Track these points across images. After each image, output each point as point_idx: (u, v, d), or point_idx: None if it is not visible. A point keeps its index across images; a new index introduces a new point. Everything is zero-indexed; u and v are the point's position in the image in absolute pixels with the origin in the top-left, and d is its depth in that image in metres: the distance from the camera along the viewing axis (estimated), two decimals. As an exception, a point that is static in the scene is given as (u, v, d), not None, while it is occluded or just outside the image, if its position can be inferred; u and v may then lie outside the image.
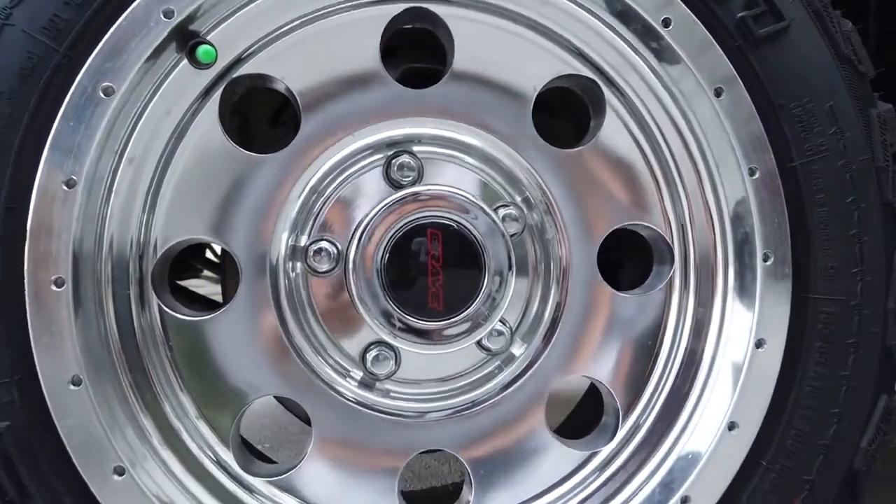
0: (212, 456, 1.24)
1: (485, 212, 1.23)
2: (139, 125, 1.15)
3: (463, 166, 1.28)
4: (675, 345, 1.33)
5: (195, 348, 1.22)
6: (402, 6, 1.22)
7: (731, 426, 1.27)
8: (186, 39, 1.14)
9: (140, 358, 1.20)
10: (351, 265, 1.22)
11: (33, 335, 1.11)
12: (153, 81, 1.14)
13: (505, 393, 1.31)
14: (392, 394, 1.29)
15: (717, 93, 1.24)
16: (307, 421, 1.28)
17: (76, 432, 1.13)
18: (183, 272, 2.27)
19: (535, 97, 1.27)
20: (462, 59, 1.24)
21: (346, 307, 1.23)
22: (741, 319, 1.28)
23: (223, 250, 1.40)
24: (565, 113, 1.49)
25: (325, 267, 1.23)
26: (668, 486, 1.27)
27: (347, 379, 1.28)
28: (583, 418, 1.62)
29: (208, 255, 2.39)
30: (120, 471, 1.15)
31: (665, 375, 1.33)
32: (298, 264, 1.24)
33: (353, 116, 1.23)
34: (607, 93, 1.28)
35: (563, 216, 1.29)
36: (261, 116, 1.69)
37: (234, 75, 1.20)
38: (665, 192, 1.31)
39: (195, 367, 1.22)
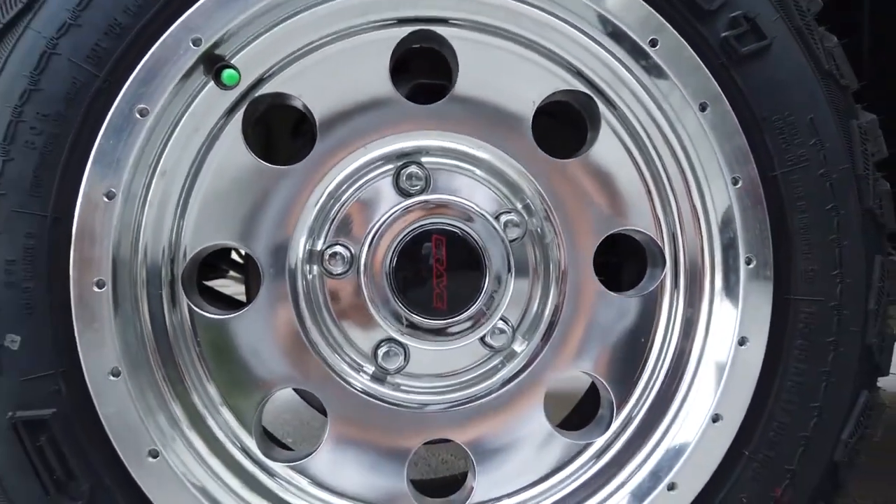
0: (236, 441, 1.32)
1: (485, 219, 1.30)
2: (170, 142, 1.23)
3: (468, 175, 1.35)
4: (666, 342, 1.39)
5: (221, 344, 1.30)
6: (409, 29, 1.29)
7: (716, 418, 1.32)
8: (213, 63, 1.22)
9: (171, 352, 1.28)
10: (363, 268, 1.29)
11: (77, 331, 1.19)
12: (183, 102, 1.22)
13: (507, 387, 1.37)
14: (402, 387, 1.37)
15: (702, 107, 1.29)
16: (323, 411, 1.36)
17: (115, 419, 1.21)
18: (210, 273, 2.37)
19: (534, 111, 1.33)
20: (466, 76, 1.31)
21: (359, 306, 1.31)
22: (726, 319, 1.33)
23: (246, 254, 1.49)
24: (567, 122, 1.57)
25: (339, 269, 1.30)
26: (656, 474, 1.33)
27: (360, 373, 1.35)
28: (585, 412, 1.70)
29: (234, 256, 2.48)
30: (154, 453, 1.23)
31: (656, 371, 1.39)
32: (315, 267, 1.32)
33: (365, 130, 1.30)
34: (602, 107, 1.34)
35: (561, 222, 1.35)
36: (283, 127, 1.76)
37: (256, 94, 1.27)
38: (656, 199, 1.37)
39: (221, 360, 1.30)
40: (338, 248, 1.31)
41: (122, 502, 1.23)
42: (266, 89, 1.28)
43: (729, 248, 1.33)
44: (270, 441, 1.45)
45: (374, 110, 1.31)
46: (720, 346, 1.34)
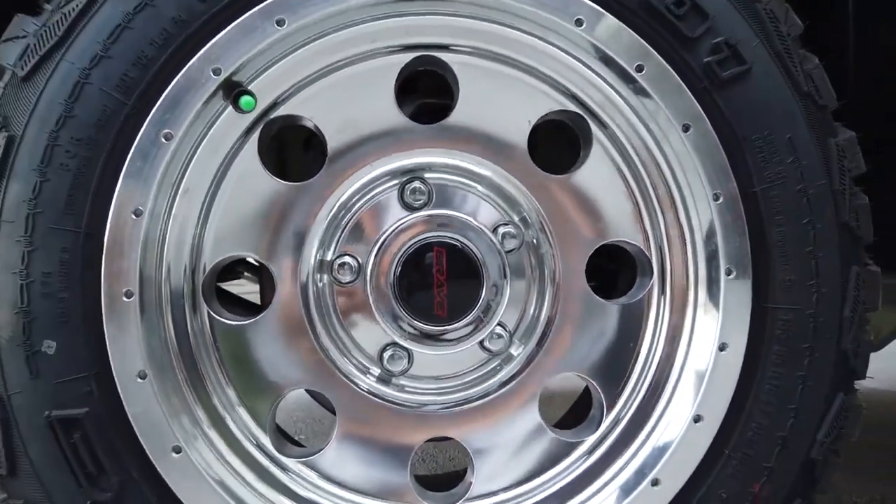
0: (251, 439, 1.39)
1: (483, 232, 1.38)
2: (192, 163, 1.30)
3: (468, 190, 1.41)
4: (653, 347, 1.45)
5: (238, 348, 1.37)
6: (414, 54, 1.36)
7: (697, 419, 1.38)
8: (231, 90, 1.30)
9: (193, 356, 1.36)
10: (369, 277, 1.37)
11: (108, 337, 1.26)
12: (203, 126, 1.29)
13: (505, 388, 1.44)
14: (406, 388, 1.44)
15: (685, 128, 1.35)
16: (332, 410, 1.44)
17: (142, 417, 1.28)
18: (227, 275, 2.45)
19: (529, 130, 1.40)
20: (466, 98, 1.37)
21: (366, 313, 1.38)
22: (708, 325, 1.40)
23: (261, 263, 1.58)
24: (561, 140, 1.64)
25: (347, 278, 1.37)
26: (641, 471, 1.40)
27: (367, 375, 1.43)
28: (579, 412, 1.77)
29: (249, 259, 2.54)
30: (177, 450, 1.30)
31: (643, 374, 1.45)
32: (325, 276, 1.39)
33: (371, 148, 1.37)
34: (593, 127, 1.41)
35: (556, 233, 1.42)
36: (295, 142, 1.84)
37: (271, 117, 1.34)
38: (644, 213, 1.43)
39: (238, 364, 1.37)
40: (346, 259, 1.37)
41: (149, 494, 1.30)
42: (280, 112, 1.35)
43: (711, 259, 1.40)
44: (283, 438, 1.53)
45: (381, 130, 1.38)
46: (702, 352, 1.40)
